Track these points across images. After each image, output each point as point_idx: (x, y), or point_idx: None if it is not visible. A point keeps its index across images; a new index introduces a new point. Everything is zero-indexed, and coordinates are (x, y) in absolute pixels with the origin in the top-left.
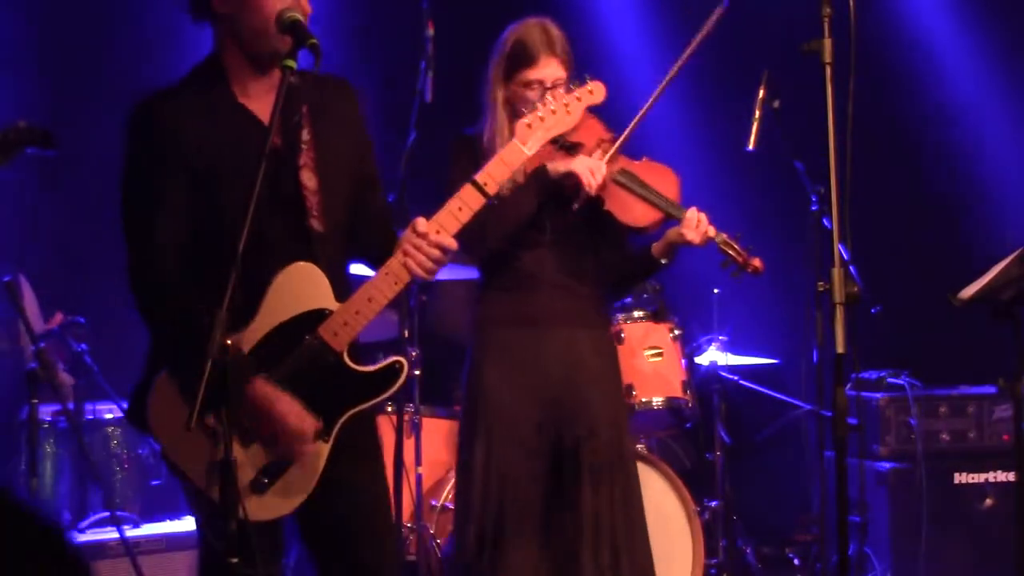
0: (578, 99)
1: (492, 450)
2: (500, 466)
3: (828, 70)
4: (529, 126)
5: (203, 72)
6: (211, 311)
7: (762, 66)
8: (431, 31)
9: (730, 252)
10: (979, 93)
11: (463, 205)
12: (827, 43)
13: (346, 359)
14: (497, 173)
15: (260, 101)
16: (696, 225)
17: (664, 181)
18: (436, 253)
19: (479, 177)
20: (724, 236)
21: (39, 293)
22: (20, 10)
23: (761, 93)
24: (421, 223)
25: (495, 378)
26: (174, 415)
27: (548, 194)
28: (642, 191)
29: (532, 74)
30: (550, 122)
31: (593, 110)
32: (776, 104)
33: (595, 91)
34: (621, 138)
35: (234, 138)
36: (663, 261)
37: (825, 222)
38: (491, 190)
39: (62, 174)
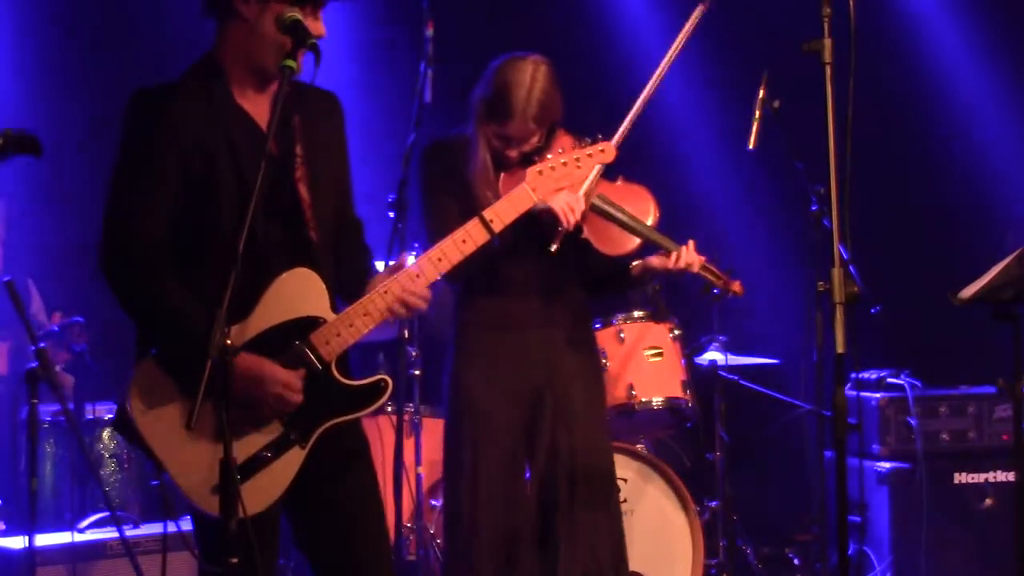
0: (589, 156)
1: (479, 457)
2: (488, 470)
3: (828, 70)
4: (540, 173)
5: (201, 70)
6: (210, 311)
7: (762, 66)
8: (431, 31)
9: (709, 277)
10: (981, 92)
11: (467, 238)
12: (827, 43)
13: (333, 370)
14: (504, 213)
15: (257, 104)
16: (685, 263)
17: (640, 204)
18: (423, 306)
19: (487, 214)
20: (702, 260)
21: (40, 293)
22: (20, 12)
23: (761, 93)
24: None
25: (477, 383)
26: (158, 403)
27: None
28: (620, 217)
29: (504, 130)
30: (560, 173)
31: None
32: (776, 104)
33: (606, 151)
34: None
35: (231, 138)
36: (639, 282)
37: (825, 222)
38: (496, 228)
39: (62, 174)
